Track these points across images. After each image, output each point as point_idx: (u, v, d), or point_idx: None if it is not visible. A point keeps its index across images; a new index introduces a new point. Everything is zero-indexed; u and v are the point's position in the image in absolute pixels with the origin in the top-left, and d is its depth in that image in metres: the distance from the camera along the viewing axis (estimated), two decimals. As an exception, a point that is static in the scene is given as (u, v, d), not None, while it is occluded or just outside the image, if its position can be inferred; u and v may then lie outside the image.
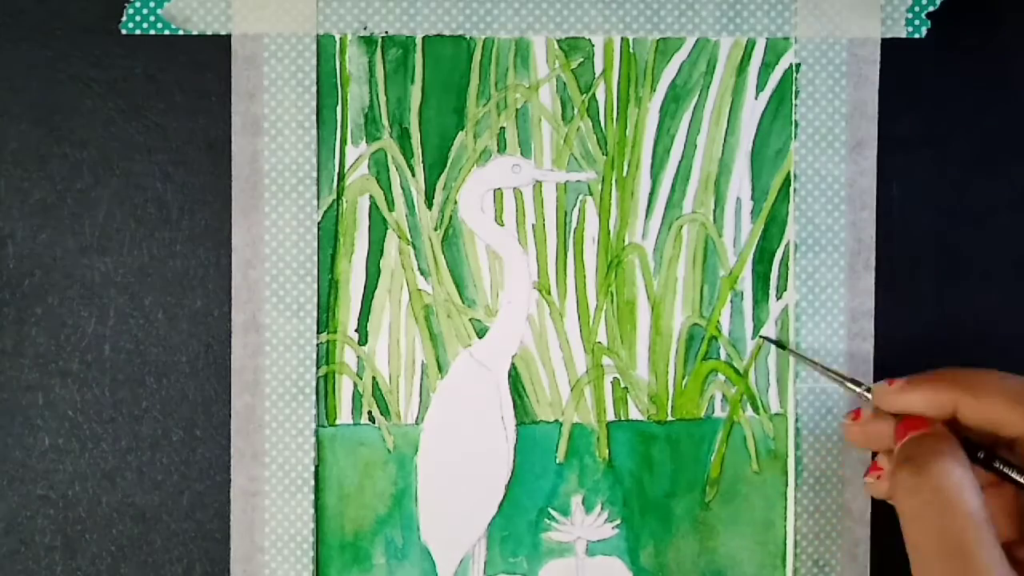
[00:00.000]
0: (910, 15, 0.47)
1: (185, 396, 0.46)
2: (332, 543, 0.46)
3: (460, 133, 0.46)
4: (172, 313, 0.46)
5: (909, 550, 0.38)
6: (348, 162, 0.46)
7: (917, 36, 0.47)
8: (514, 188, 0.46)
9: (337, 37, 0.45)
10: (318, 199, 0.45)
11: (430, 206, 0.46)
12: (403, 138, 0.46)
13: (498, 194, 0.46)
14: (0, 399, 0.45)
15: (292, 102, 0.45)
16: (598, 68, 0.46)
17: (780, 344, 0.46)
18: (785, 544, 0.47)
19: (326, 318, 0.46)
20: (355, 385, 0.46)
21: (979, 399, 0.39)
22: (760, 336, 0.47)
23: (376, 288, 0.46)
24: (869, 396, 0.42)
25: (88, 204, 0.45)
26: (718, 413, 0.47)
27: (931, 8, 0.46)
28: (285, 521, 0.45)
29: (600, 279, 0.46)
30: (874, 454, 0.43)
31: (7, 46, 0.45)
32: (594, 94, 0.46)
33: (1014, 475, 0.39)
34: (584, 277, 0.46)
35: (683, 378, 0.47)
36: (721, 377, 0.47)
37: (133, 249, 0.45)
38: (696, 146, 0.47)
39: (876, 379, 0.47)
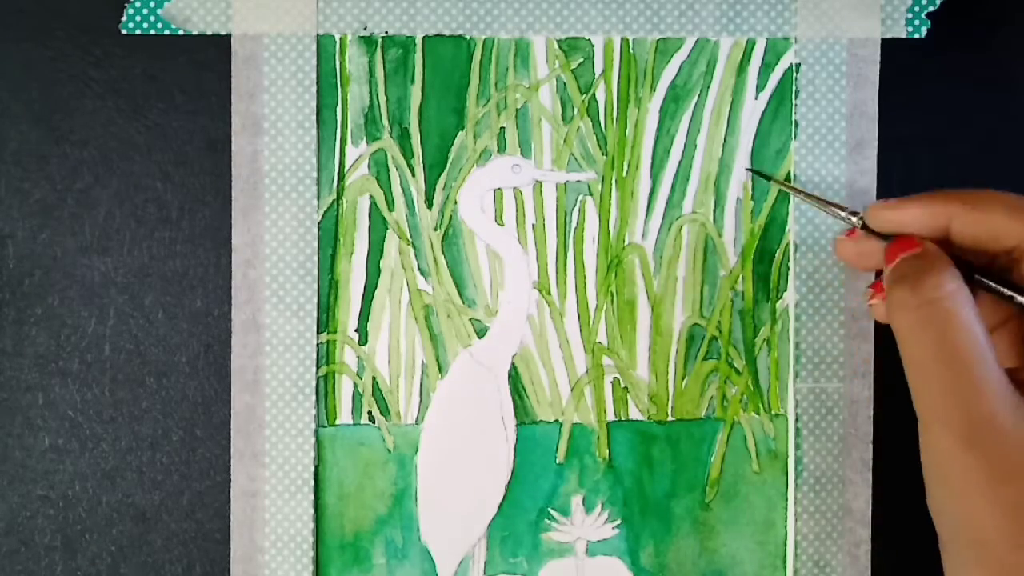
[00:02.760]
0: (910, 15, 0.47)
1: (185, 396, 0.46)
2: (332, 543, 0.46)
3: (460, 133, 0.46)
4: (172, 313, 0.46)
5: (907, 369, 0.38)
6: (348, 162, 0.46)
7: (917, 36, 0.47)
8: (514, 188, 0.46)
9: (337, 37, 0.45)
10: (318, 199, 0.45)
11: (430, 206, 0.46)
12: (403, 138, 0.46)
13: (498, 194, 0.46)
14: (0, 399, 0.45)
15: (292, 102, 0.45)
16: (598, 68, 0.46)
17: (766, 176, 0.46)
18: (785, 544, 0.47)
19: (326, 318, 0.46)
20: (355, 385, 0.46)
21: (975, 211, 0.39)
22: (747, 168, 0.47)
23: (376, 288, 0.46)
24: (856, 223, 0.43)
25: (88, 204, 0.45)
26: (718, 413, 0.47)
27: (931, 8, 0.46)
28: (285, 521, 0.45)
29: (600, 279, 0.46)
30: (876, 276, 0.44)
31: (7, 46, 0.45)
32: (594, 94, 0.46)
33: (1008, 292, 0.39)
34: (584, 277, 0.46)
35: (683, 378, 0.47)
36: (721, 377, 0.47)
37: (133, 249, 0.45)
38: (696, 146, 0.47)
39: (877, 379, 0.47)
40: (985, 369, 0.36)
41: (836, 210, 0.44)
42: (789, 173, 0.47)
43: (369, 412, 0.46)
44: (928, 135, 0.48)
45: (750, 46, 0.47)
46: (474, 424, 0.46)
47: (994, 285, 0.40)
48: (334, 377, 0.46)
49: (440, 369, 0.46)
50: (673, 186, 0.47)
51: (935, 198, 0.40)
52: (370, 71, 0.46)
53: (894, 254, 0.40)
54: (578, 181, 0.46)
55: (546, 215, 0.46)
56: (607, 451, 0.47)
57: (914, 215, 0.40)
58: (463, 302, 0.46)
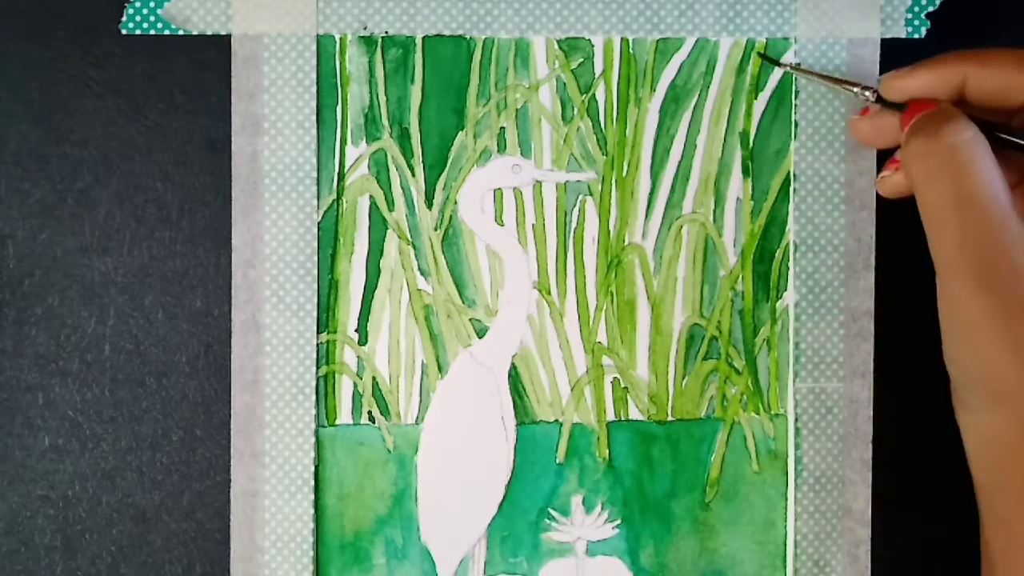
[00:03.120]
0: (910, 15, 0.47)
1: (185, 396, 0.46)
2: (332, 543, 0.46)
3: (460, 133, 0.46)
4: (172, 313, 0.46)
5: (925, 217, 0.38)
6: (348, 162, 0.46)
7: (917, 36, 0.47)
8: (514, 188, 0.46)
9: (337, 37, 0.45)
10: (318, 199, 0.45)
11: (430, 206, 0.46)
12: (403, 138, 0.46)
13: (498, 194, 0.46)
14: (0, 399, 0.45)
15: (292, 102, 0.45)
16: (598, 68, 0.46)
17: (774, 61, 0.46)
18: (785, 544, 0.47)
19: (326, 318, 0.46)
20: (355, 385, 0.46)
21: (987, 66, 0.40)
22: (756, 53, 0.47)
23: (376, 288, 0.46)
24: (870, 97, 0.43)
25: (88, 204, 0.45)
26: (718, 413, 0.47)
27: (931, 8, 0.46)
28: (285, 521, 0.45)
29: (600, 279, 0.46)
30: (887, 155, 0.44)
31: (7, 46, 0.45)
32: (594, 94, 0.46)
33: None
34: (584, 277, 0.46)
35: (683, 378, 0.47)
36: (721, 377, 0.47)
37: (133, 249, 0.45)
38: (696, 146, 0.47)
39: (877, 379, 0.47)
40: (1000, 213, 0.37)
41: (848, 86, 0.44)
42: (789, 174, 0.47)
43: (369, 412, 0.46)
44: (928, 135, 0.48)
45: (750, 46, 0.47)
46: (474, 424, 0.46)
47: (1013, 139, 0.40)
48: (334, 377, 0.46)
49: (440, 369, 0.46)
50: (673, 186, 0.47)
51: (947, 59, 0.41)
52: (370, 71, 0.46)
53: (910, 116, 0.40)
54: (578, 181, 0.46)
55: (546, 215, 0.46)
56: (607, 451, 0.47)
57: (928, 79, 0.41)
58: (463, 302, 0.46)
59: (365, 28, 0.45)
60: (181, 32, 0.45)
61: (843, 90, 0.44)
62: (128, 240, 0.45)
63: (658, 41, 0.46)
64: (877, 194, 0.46)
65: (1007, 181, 0.39)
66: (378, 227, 0.46)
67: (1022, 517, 0.37)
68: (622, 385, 0.46)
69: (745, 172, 0.47)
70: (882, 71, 0.46)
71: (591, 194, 0.46)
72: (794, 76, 0.46)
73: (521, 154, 0.46)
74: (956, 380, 0.39)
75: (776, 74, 0.47)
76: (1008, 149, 0.40)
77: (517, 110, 0.46)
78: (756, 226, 0.47)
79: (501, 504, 0.46)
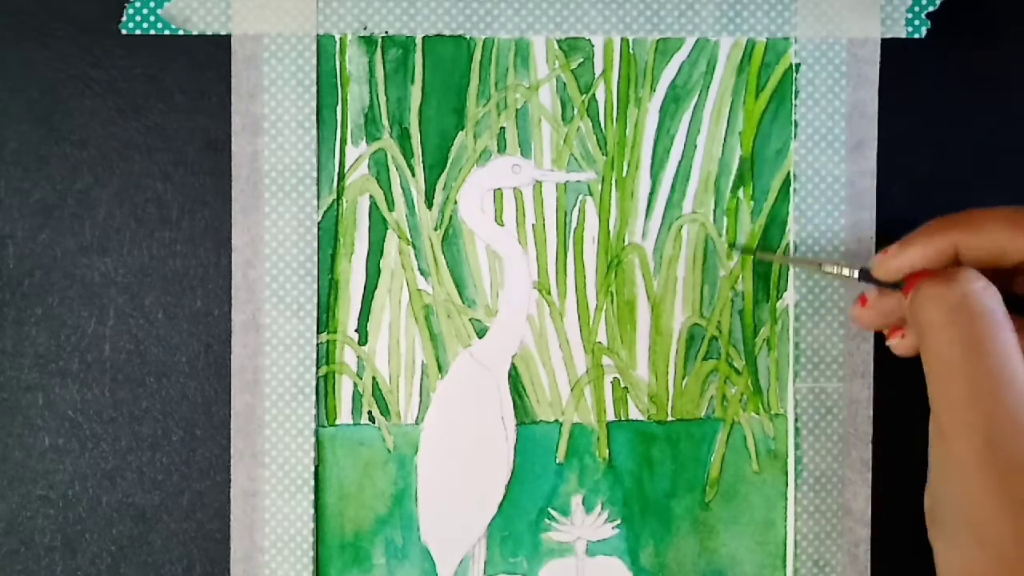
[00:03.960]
0: (910, 15, 0.47)
1: (185, 396, 0.46)
2: (332, 543, 0.46)
3: (460, 133, 0.46)
4: (172, 313, 0.46)
5: (929, 361, 0.37)
6: (348, 162, 0.46)
7: (917, 36, 0.47)
8: (514, 188, 0.46)
9: (337, 37, 0.45)
10: (318, 199, 0.45)
11: (430, 206, 0.46)
12: (403, 138, 0.46)
13: (498, 194, 0.46)
14: (0, 399, 0.45)
15: (292, 102, 0.45)
16: (598, 68, 0.46)
17: (750, 251, 0.46)
18: (785, 544, 0.47)
19: (326, 318, 0.46)
20: (355, 385, 0.46)
21: (978, 233, 0.39)
22: (741, 251, 0.47)
23: (376, 288, 0.46)
24: (855, 278, 0.42)
25: (88, 204, 0.45)
26: (718, 413, 0.47)
27: (931, 8, 0.46)
28: (285, 521, 0.45)
29: (600, 279, 0.46)
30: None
31: (7, 46, 0.45)
32: (594, 94, 0.46)
33: None
34: (584, 277, 0.46)
35: (683, 378, 0.47)
36: (721, 377, 0.47)
37: (133, 249, 0.45)
38: (696, 146, 0.47)
39: (877, 379, 0.47)
40: (1011, 365, 0.36)
41: (834, 268, 0.43)
42: (789, 174, 0.47)
43: (369, 412, 0.46)
44: (928, 135, 0.48)
45: (750, 46, 0.47)
46: (474, 424, 0.46)
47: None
48: (334, 377, 0.46)
49: (440, 369, 0.46)
50: (673, 186, 0.47)
51: (933, 230, 0.40)
52: (370, 71, 0.46)
53: (912, 285, 0.39)
54: (578, 181, 0.46)
55: (546, 215, 0.46)
56: (607, 451, 0.47)
57: (918, 254, 0.39)
58: (463, 302, 0.46)
59: (365, 28, 0.45)
60: (181, 32, 0.45)
61: (830, 273, 0.43)
62: (128, 240, 0.45)
63: (658, 41, 0.46)
64: (877, 194, 0.46)
65: None
66: (378, 227, 0.46)
67: None
68: (622, 385, 0.46)
69: (745, 172, 0.47)
70: (882, 71, 0.46)
71: (591, 194, 0.46)
72: (794, 76, 0.46)
73: (521, 154, 0.46)
74: (938, 513, 0.37)
75: (776, 74, 0.47)
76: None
77: (517, 110, 0.46)
78: (756, 226, 0.47)
79: (501, 504, 0.46)
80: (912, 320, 0.39)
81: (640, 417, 0.47)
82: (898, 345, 0.42)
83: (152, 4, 0.45)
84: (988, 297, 0.37)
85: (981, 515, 0.35)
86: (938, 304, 0.37)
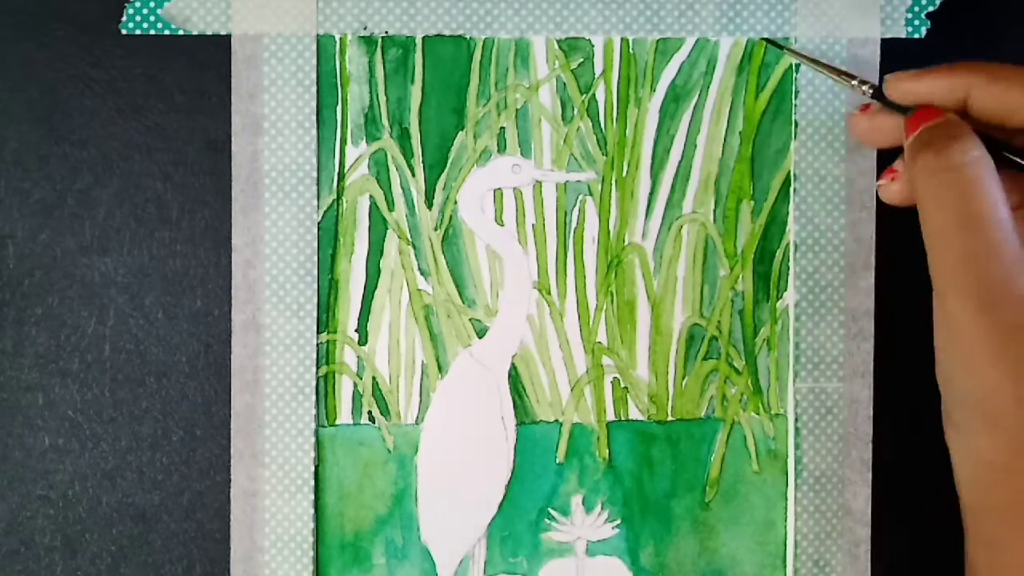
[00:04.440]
0: (910, 15, 0.47)
1: (185, 396, 0.46)
2: (332, 543, 0.46)
3: (460, 133, 0.46)
4: (172, 313, 0.46)
5: (926, 235, 0.38)
6: (348, 162, 0.46)
7: (917, 36, 0.47)
8: (514, 188, 0.46)
9: (337, 37, 0.45)
10: (318, 199, 0.45)
11: (430, 206, 0.46)
12: (403, 138, 0.46)
13: (498, 194, 0.46)
14: (0, 399, 0.45)
15: (292, 102, 0.45)
16: (598, 68, 0.46)
17: (778, 44, 0.46)
18: (785, 544, 0.47)
19: (326, 318, 0.46)
20: (355, 385, 0.46)
21: (996, 84, 0.39)
22: (762, 39, 0.46)
23: (376, 288, 0.46)
24: (867, 92, 0.43)
25: (88, 204, 0.45)
26: (718, 413, 0.47)
27: (931, 8, 0.46)
28: (285, 521, 0.45)
29: (600, 279, 0.46)
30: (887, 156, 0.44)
31: (7, 46, 0.45)
32: (594, 94, 0.46)
33: None
34: (584, 277, 0.46)
35: (683, 378, 0.47)
36: (721, 377, 0.47)
37: (133, 249, 0.45)
38: (696, 146, 0.47)
39: (877, 379, 0.47)
40: (1003, 235, 0.36)
41: (847, 79, 0.44)
42: (789, 174, 0.47)
43: (369, 412, 0.46)
44: (928, 135, 0.48)
45: (750, 46, 0.47)
46: (474, 424, 0.46)
47: (1018, 160, 0.40)
48: (334, 377, 0.46)
49: (440, 369, 0.46)
50: (673, 186, 0.47)
51: (956, 69, 0.40)
52: (370, 71, 0.46)
53: (916, 124, 0.40)
54: (578, 181, 0.46)
55: (546, 215, 0.46)
56: (607, 451, 0.47)
57: (934, 85, 0.40)
58: (463, 302, 0.46)
59: (365, 28, 0.45)
60: (181, 32, 0.45)
61: (842, 81, 0.44)
62: (128, 240, 0.45)
63: (658, 41, 0.46)
64: (877, 194, 0.46)
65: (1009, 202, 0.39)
66: (378, 227, 0.46)
67: (1008, 539, 0.37)
68: (622, 385, 0.46)
69: (745, 172, 0.47)
70: (882, 71, 0.46)
71: (591, 194, 0.46)
72: (794, 76, 0.46)
73: (521, 154, 0.46)
74: (948, 400, 0.38)
75: (776, 74, 0.47)
76: (1010, 169, 0.40)
77: (517, 110, 0.46)
78: (756, 226, 0.47)
79: (501, 504, 0.46)
80: (910, 183, 0.40)
81: (640, 417, 0.47)
82: (885, 187, 0.43)
83: (152, 4, 0.45)
84: (984, 168, 0.38)
85: (988, 391, 0.36)
86: (933, 174, 0.38)
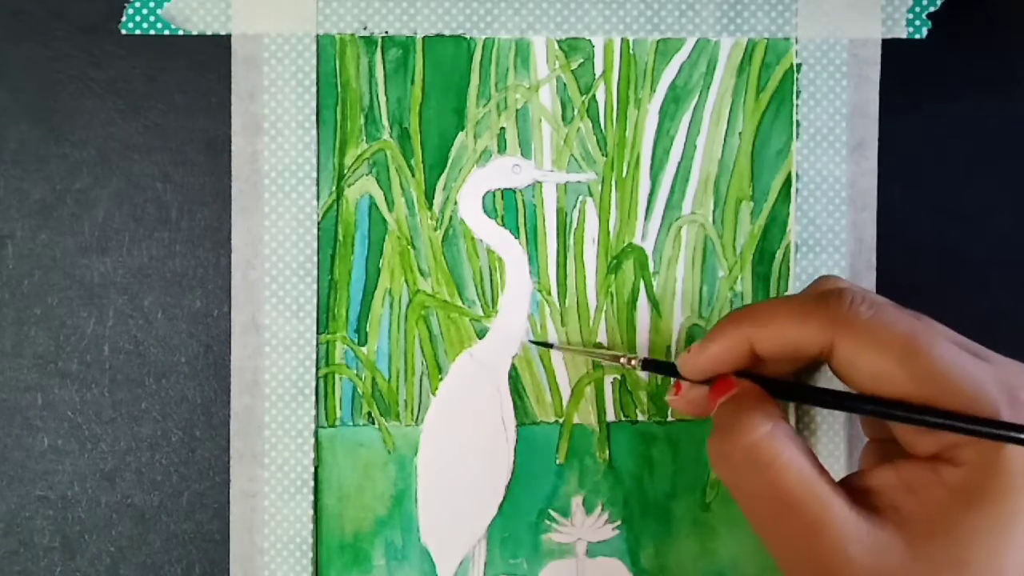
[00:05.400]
0: (911, 16, 0.47)
1: (184, 397, 0.46)
2: (332, 544, 0.46)
3: (460, 133, 0.46)
4: (172, 313, 0.46)
5: (750, 522, 0.36)
6: (348, 162, 0.46)
7: (918, 36, 0.47)
8: (514, 188, 0.46)
9: (337, 37, 0.45)
10: (318, 199, 0.45)
11: (430, 206, 0.46)
12: (403, 138, 0.46)
13: (498, 194, 0.46)
14: (0, 399, 0.45)
15: (292, 102, 0.45)
16: (598, 69, 0.46)
17: (546, 344, 0.46)
18: (786, 545, 0.47)
19: (326, 318, 0.45)
20: (355, 386, 0.46)
21: (766, 327, 0.37)
22: (531, 341, 0.46)
23: (376, 288, 0.46)
24: (636, 366, 0.42)
25: (88, 204, 0.45)
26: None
27: (932, 8, 0.46)
28: (284, 522, 0.45)
29: (600, 279, 0.46)
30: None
31: (7, 46, 0.45)
32: (594, 95, 0.46)
33: (830, 399, 0.37)
34: (584, 277, 0.46)
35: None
36: (721, 378, 0.47)
37: (133, 249, 0.45)
38: (696, 147, 0.47)
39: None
40: (821, 507, 0.34)
41: (613, 359, 0.44)
42: (790, 174, 0.47)
43: (369, 413, 0.46)
44: (928, 135, 0.48)
45: (751, 47, 0.47)
46: (474, 425, 0.46)
47: (820, 397, 0.38)
48: (334, 377, 0.46)
49: (440, 370, 0.46)
50: (673, 187, 0.47)
51: (728, 326, 0.38)
52: (370, 71, 0.46)
53: (713, 402, 0.39)
54: (578, 182, 0.46)
55: (546, 215, 0.46)
56: (607, 452, 0.46)
57: (717, 354, 0.39)
58: (463, 302, 0.46)
59: (365, 28, 0.45)
60: (181, 32, 0.45)
61: (610, 363, 0.45)
62: (128, 240, 0.45)
63: (658, 41, 0.46)
64: (878, 194, 0.46)
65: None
66: (378, 227, 0.46)
67: None
68: (622, 385, 0.46)
69: (745, 173, 0.47)
70: (883, 71, 0.46)
71: (591, 195, 0.46)
72: (795, 77, 0.46)
73: (521, 154, 0.46)
74: None
75: (777, 75, 0.47)
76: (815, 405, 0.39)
77: (517, 110, 0.46)
78: (756, 227, 0.47)
79: (501, 505, 0.46)
80: (713, 468, 0.39)
81: (640, 417, 0.47)
82: (673, 400, 0.42)
83: (152, 4, 0.45)
84: (776, 441, 0.36)
85: None
86: (727, 463, 0.37)
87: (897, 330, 0.35)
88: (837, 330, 0.36)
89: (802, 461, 0.35)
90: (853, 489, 0.36)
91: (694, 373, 0.40)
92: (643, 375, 0.46)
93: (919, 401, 0.34)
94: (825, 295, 0.37)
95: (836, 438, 0.46)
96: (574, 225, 0.46)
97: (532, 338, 0.46)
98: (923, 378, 0.34)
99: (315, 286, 0.45)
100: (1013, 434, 0.33)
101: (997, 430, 0.33)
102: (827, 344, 0.36)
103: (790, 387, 0.39)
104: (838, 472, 0.46)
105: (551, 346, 0.46)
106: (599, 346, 0.46)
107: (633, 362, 0.42)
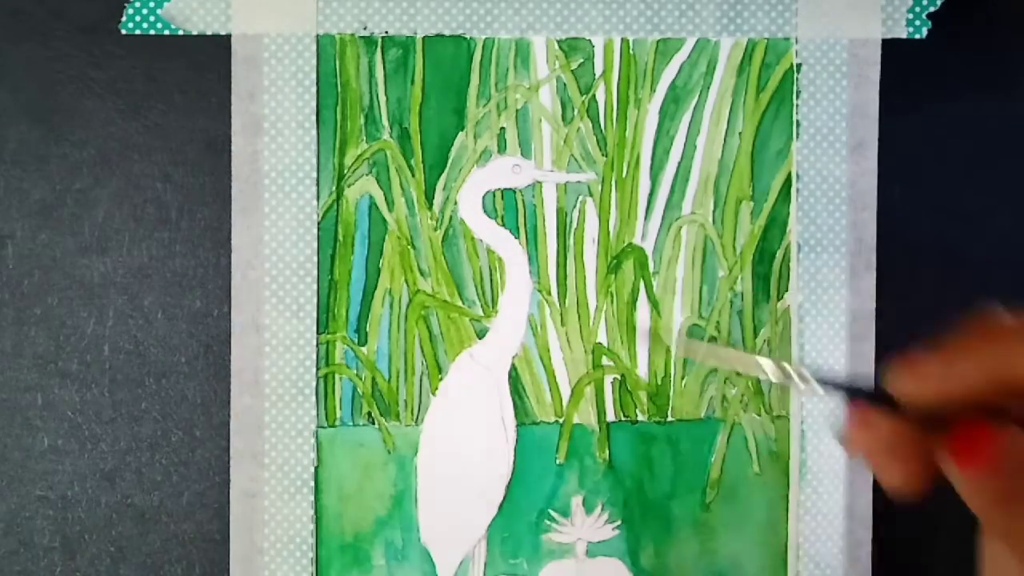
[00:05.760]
0: (911, 16, 0.47)
1: (185, 397, 0.46)
2: (332, 544, 0.46)
3: (460, 133, 0.46)
4: (172, 313, 0.46)
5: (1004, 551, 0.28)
6: (348, 162, 0.45)
7: (918, 37, 0.47)
8: (514, 188, 0.46)
9: (337, 37, 0.45)
10: (318, 199, 0.45)
11: (430, 206, 0.46)
12: (403, 138, 0.46)
13: (498, 194, 0.46)
14: (0, 399, 0.45)
15: (292, 102, 0.45)
16: (598, 69, 0.46)
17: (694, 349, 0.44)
18: (786, 546, 0.47)
19: (326, 318, 0.45)
20: (355, 386, 0.46)
21: None
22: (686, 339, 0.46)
23: (376, 288, 0.46)
24: (802, 386, 0.30)
25: (88, 204, 0.45)
26: (718, 414, 0.47)
27: (931, 8, 0.46)
28: (284, 522, 0.45)
29: (600, 279, 0.46)
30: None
31: (7, 46, 0.45)
32: (594, 95, 0.46)
33: None
34: (584, 277, 0.46)
35: (683, 378, 0.47)
36: (720, 377, 0.47)
37: (133, 249, 0.45)
38: (696, 147, 0.47)
39: (878, 383, 0.46)
40: None
41: (803, 380, 0.30)
42: (790, 174, 0.47)
43: (369, 413, 0.46)
44: (928, 135, 0.48)
45: (751, 47, 0.47)
46: (474, 425, 0.46)
47: None
48: (334, 377, 0.46)
49: (440, 370, 0.46)
50: (673, 187, 0.47)
51: (981, 341, 0.26)
52: (370, 71, 0.46)
53: (964, 445, 0.27)
54: (578, 182, 0.46)
55: (546, 215, 0.46)
56: (607, 452, 0.46)
57: (963, 377, 0.26)
58: (463, 302, 0.46)
59: (365, 28, 0.45)
60: (181, 32, 0.45)
61: (802, 388, 0.30)
62: (128, 240, 0.45)
63: (658, 42, 0.46)
64: (878, 194, 0.46)
65: None
66: (378, 227, 0.46)
67: None
68: (622, 385, 0.46)
69: (745, 173, 0.47)
70: (883, 71, 0.46)
71: (591, 195, 0.46)
72: (795, 77, 0.46)
73: (521, 154, 0.46)
74: None
75: (777, 75, 0.47)
76: None
77: (517, 110, 0.46)
78: (756, 227, 0.47)
79: (501, 505, 0.46)
80: (992, 532, 0.28)
81: (640, 417, 0.46)
82: (854, 444, 0.29)
83: (152, 4, 0.45)
84: None
85: None
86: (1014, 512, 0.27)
87: None
88: None
89: None
90: None
91: (922, 398, 0.27)
92: (644, 376, 0.46)
93: None
94: None
95: None
96: (574, 225, 0.46)
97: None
98: None
99: (315, 286, 0.45)
100: None
101: None
102: None
103: None
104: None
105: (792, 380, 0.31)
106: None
107: (817, 386, 0.30)
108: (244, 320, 0.45)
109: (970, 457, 0.27)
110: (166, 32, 0.45)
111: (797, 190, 0.47)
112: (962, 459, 0.27)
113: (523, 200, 0.46)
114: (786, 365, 0.29)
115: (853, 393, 0.28)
